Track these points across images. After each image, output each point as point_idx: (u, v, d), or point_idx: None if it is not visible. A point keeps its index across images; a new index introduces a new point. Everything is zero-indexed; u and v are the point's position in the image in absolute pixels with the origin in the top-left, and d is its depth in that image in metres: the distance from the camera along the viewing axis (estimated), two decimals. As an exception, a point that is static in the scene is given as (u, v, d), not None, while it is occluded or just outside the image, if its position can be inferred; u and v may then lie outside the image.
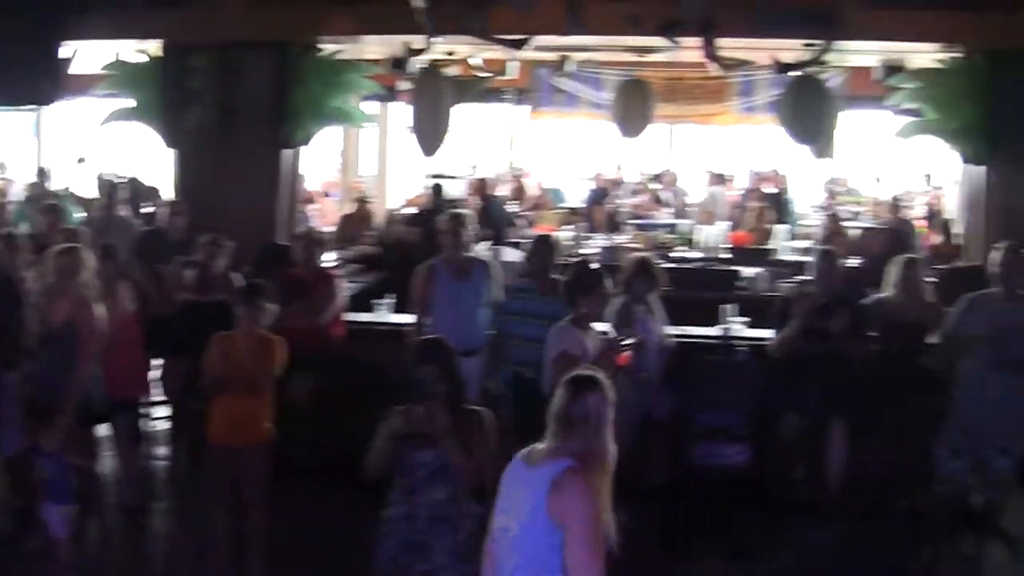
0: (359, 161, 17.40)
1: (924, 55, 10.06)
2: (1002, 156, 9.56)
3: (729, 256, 12.99)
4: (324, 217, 15.70)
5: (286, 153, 10.96)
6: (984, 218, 9.93)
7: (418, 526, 5.36)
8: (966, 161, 10.05)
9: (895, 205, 14.19)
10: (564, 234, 12.88)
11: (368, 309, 9.71)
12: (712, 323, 9.22)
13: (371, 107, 13.40)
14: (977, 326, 7.26)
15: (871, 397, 8.00)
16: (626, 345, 6.77)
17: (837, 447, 8.06)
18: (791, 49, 10.08)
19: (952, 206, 14.43)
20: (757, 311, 9.28)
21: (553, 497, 4.10)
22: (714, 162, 17.95)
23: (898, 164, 18.31)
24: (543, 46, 10.72)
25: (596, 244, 13.47)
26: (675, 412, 8.22)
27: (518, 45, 10.05)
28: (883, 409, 7.99)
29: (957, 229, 12.12)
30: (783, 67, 10.47)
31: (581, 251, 12.78)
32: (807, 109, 10.32)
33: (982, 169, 9.92)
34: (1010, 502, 7.67)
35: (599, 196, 16.75)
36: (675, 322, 8.44)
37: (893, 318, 8.08)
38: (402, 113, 13.97)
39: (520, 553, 4.21)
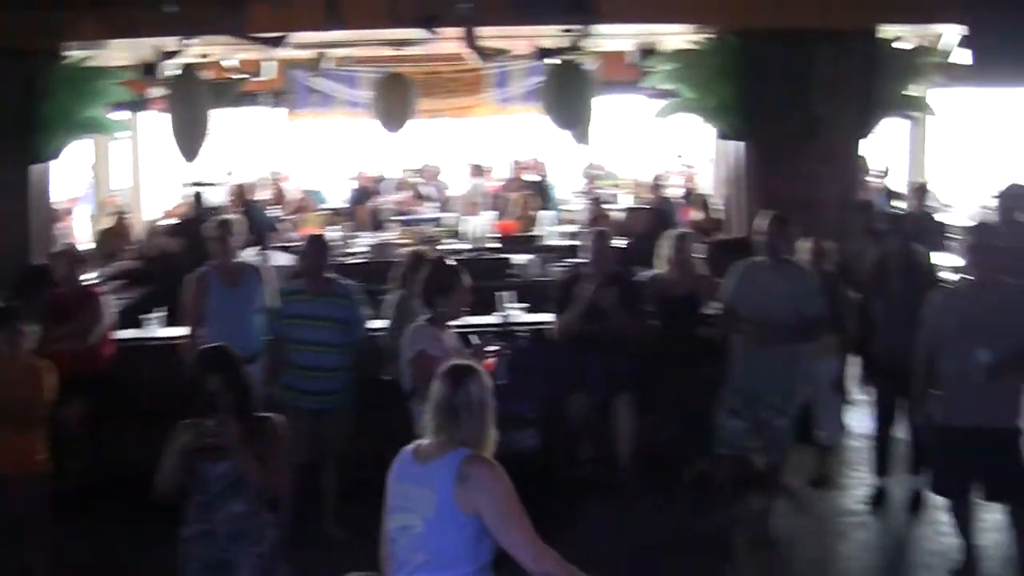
0: (111, 173, 16.78)
1: (678, 37, 10.30)
2: (758, 131, 9.86)
3: (498, 245, 13.09)
4: (73, 234, 15.07)
5: (36, 168, 10.44)
6: (744, 191, 10.23)
7: (219, 543, 5.18)
8: (724, 137, 10.34)
9: (655, 185, 14.54)
10: (330, 235, 12.71)
11: (137, 325, 9.37)
12: (490, 311, 9.24)
13: (122, 116, 12.92)
14: (749, 294, 7.55)
15: (653, 372, 8.16)
16: (491, 352, 6.73)
17: (624, 424, 8.19)
18: (550, 36, 10.19)
19: (707, 183, 14.87)
20: (532, 296, 9.37)
21: (461, 488, 4.12)
22: (475, 154, 18.03)
23: (654, 145, 18.74)
24: (301, 43, 10.55)
25: (363, 243, 13.36)
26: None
27: (275, 43, 9.87)
28: (666, 383, 8.16)
29: (715, 204, 12.49)
30: (543, 54, 10.58)
31: (349, 251, 12.68)
32: (568, 95, 10.48)
33: (741, 144, 10.23)
34: (789, 460, 8.00)
35: (362, 195, 16.61)
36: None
37: (668, 293, 8.25)
38: (154, 121, 13.55)
39: (426, 549, 4.19)
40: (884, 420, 8.24)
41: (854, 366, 8.86)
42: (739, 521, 7.86)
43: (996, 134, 21.13)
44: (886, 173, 15.41)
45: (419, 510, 4.20)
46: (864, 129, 10.04)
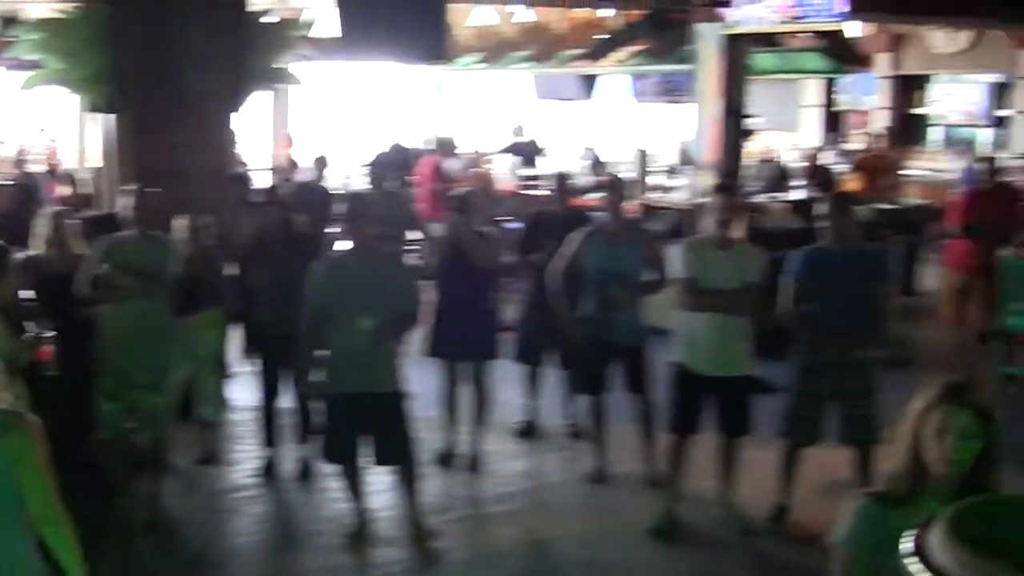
0: None
1: (42, 5, 9.73)
2: (130, 102, 9.51)
3: None
4: None
5: None
6: (117, 165, 9.86)
7: None
8: (95, 110, 9.89)
9: (18, 160, 13.84)
10: None
11: None
12: None
13: None
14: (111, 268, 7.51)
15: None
16: (47, 339, 5.97)
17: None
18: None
19: (74, 157, 14.39)
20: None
21: (5, 441, 3.89)
22: None
23: (15, 119, 17.79)
24: None
25: None
26: None
27: None
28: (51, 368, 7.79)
29: (84, 178, 12.09)
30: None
31: None
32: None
33: (111, 116, 9.82)
34: (173, 438, 7.87)
35: None
36: None
37: (47, 272, 7.83)
38: None
39: None
40: (269, 391, 8.31)
41: (235, 338, 8.82)
42: (129, 506, 7.60)
43: (363, 105, 22.06)
44: (290, 142, 15.86)
45: None
46: (236, 101, 9.99)
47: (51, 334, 6.28)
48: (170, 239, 7.85)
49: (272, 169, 16.57)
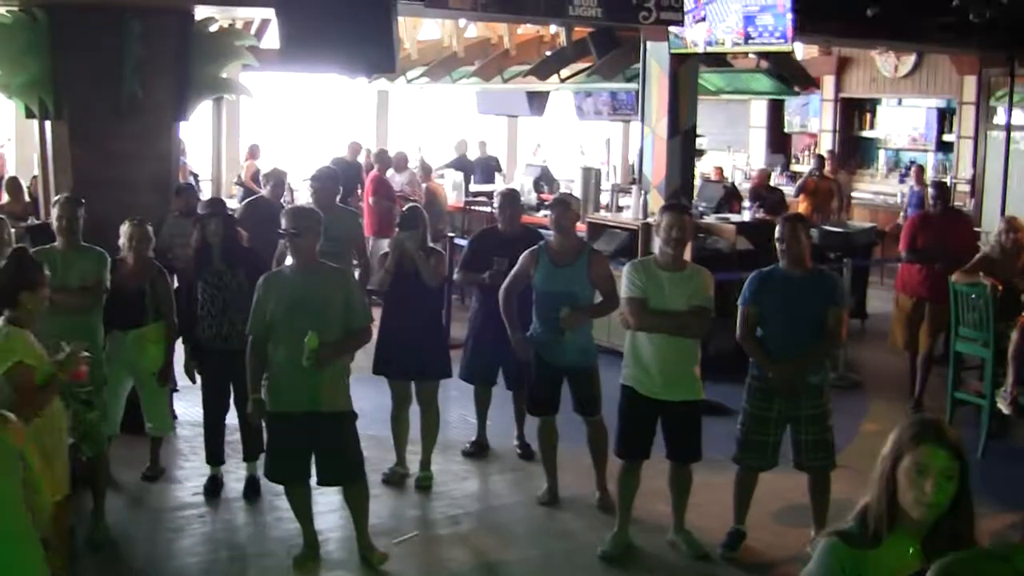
0: None
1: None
2: (70, 110, 9.29)
3: None
4: None
5: None
6: (57, 174, 9.62)
7: None
8: (33, 116, 9.63)
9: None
10: None
11: None
12: None
13: None
14: None
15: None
16: (84, 358, 5.83)
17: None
18: None
19: (16, 164, 14.22)
20: None
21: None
22: None
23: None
24: None
25: None
26: None
27: None
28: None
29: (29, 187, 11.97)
30: None
31: None
32: None
33: (50, 124, 9.58)
34: (116, 454, 7.71)
35: None
36: None
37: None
38: None
39: None
40: (214, 407, 8.12)
41: (180, 353, 8.61)
42: (72, 523, 7.37)
43: (310, 117, 21.92)
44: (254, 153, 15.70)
45: None
46: (181, 110, 9.79)
47: (86, 352, 6.02)
48: (100, 251, 7.71)
49: (237, 182, 16.46)
